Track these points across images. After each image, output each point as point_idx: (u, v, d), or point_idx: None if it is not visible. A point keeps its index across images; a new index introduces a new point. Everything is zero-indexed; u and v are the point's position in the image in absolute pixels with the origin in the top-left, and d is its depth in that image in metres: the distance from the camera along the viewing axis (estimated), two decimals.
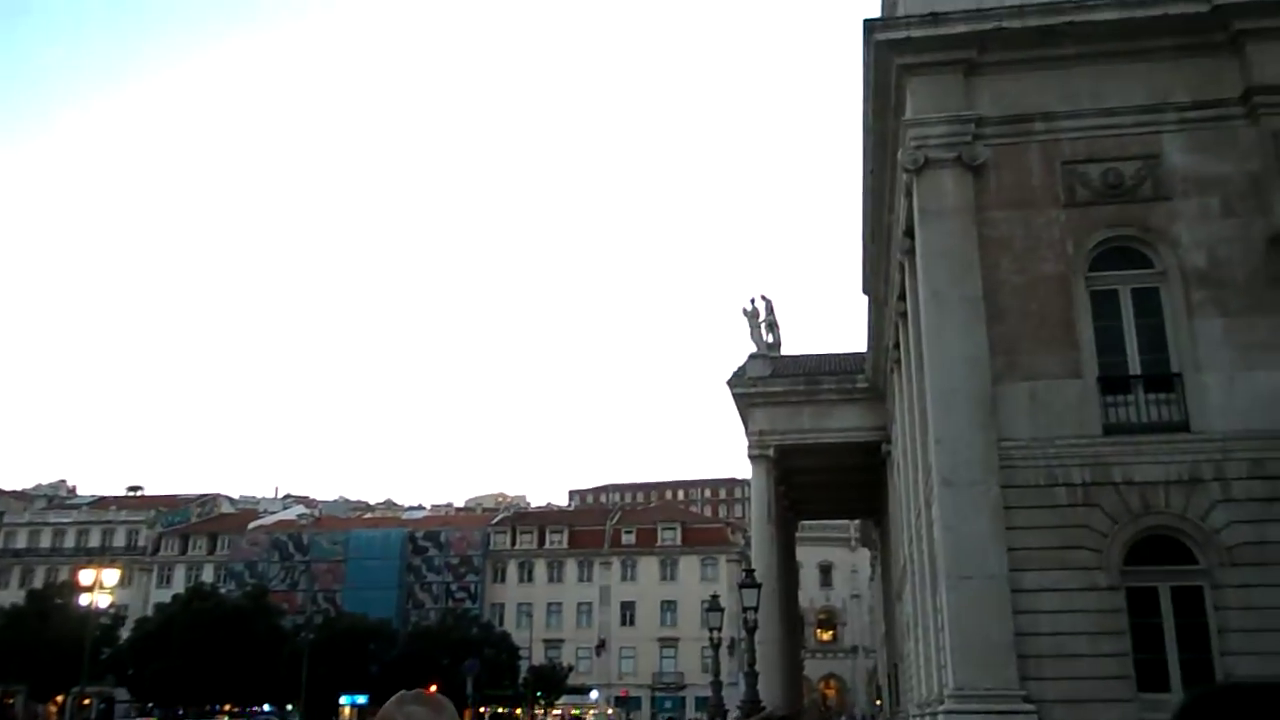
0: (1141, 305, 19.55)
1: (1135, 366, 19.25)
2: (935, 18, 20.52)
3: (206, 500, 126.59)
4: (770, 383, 39.18)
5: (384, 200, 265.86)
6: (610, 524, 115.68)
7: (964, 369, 19.19)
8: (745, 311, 40.21)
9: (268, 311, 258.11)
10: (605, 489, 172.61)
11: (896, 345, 29.48)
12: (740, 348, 41.92)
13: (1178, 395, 18.81)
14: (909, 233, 22.22)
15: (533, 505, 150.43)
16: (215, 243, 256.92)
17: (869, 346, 37.67)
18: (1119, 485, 18.26)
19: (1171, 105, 19.88)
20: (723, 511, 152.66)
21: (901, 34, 20.77)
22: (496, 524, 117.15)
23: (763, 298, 40.83)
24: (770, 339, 40.54)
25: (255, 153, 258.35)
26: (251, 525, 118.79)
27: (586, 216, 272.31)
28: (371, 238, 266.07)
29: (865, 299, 35.53)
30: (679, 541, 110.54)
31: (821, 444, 39.27)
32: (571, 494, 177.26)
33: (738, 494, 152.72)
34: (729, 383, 39.64)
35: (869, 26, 21.12)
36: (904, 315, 26.19)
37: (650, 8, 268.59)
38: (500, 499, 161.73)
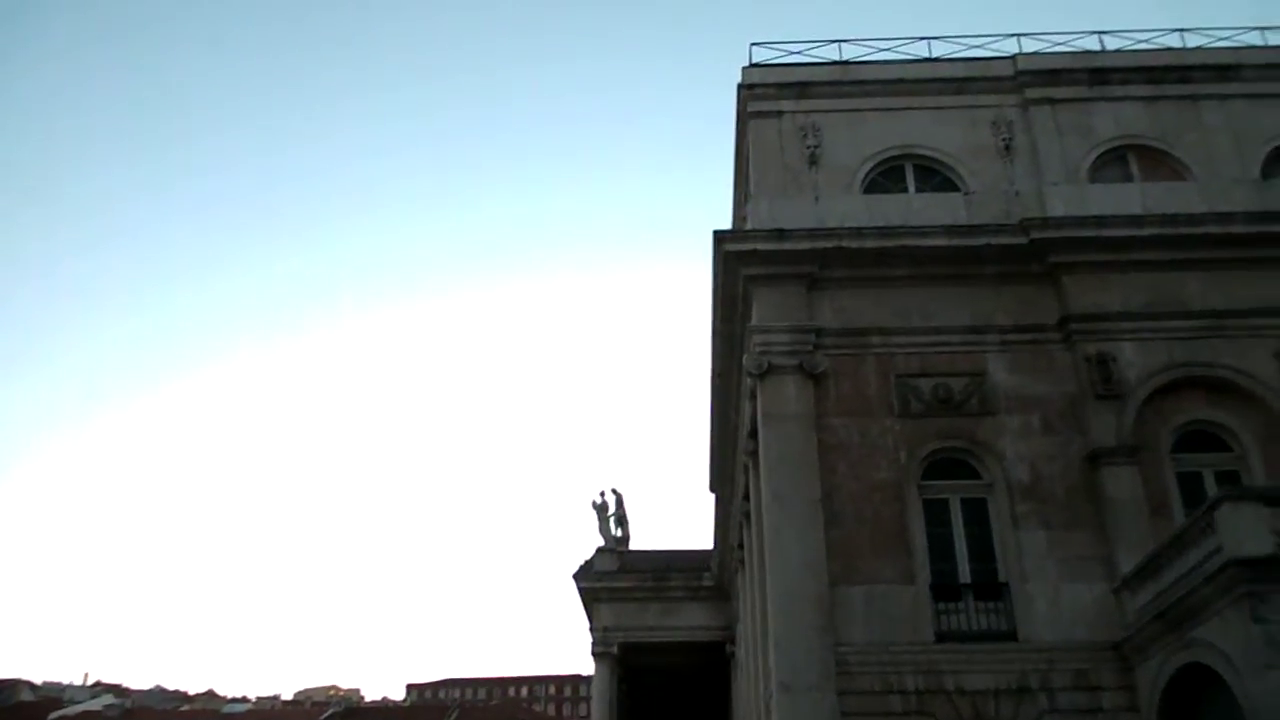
0: (971, 515, 20.29)
1: (966, 575, 19.78)
2: (780, 233, 21.69)
3: (5, 687, 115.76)
4: (617, 578, 38.69)
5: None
6: None
7: (802, 572, 19.38)
8: (595, 505, 40.00)
9: (81, 479, 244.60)
10: (445, 684, 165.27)
11: (741, 545, 29.68)
12: (589, 541, 41.50)
13: (1006, 605, 19.33)
14: (753, 434, 22.76)
15: (367, 699, 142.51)
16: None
17: (715, 545, 37.81)
18: (951, 694, 18.42)
19: (994, 328, 21.26)
20: (568, 710, 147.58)
21: (748, 246, 21.84)
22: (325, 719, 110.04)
23: (613, 491, 40.77)
24: (619, 533, 40.27)
25: None
26: (53, 716, 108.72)
27: (433, 406, 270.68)
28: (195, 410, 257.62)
29: (713, 497, 35.90)
30: None
31: (667, 642, 38.64)
32: (409, 688, 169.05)
33: (583, 691, 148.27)
34: (575, 576, 38.99)
35: (718, 238, 22.15)
36: (748, 515, 26.50)
37: (513, 200, 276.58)
38: (332, 692, 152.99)
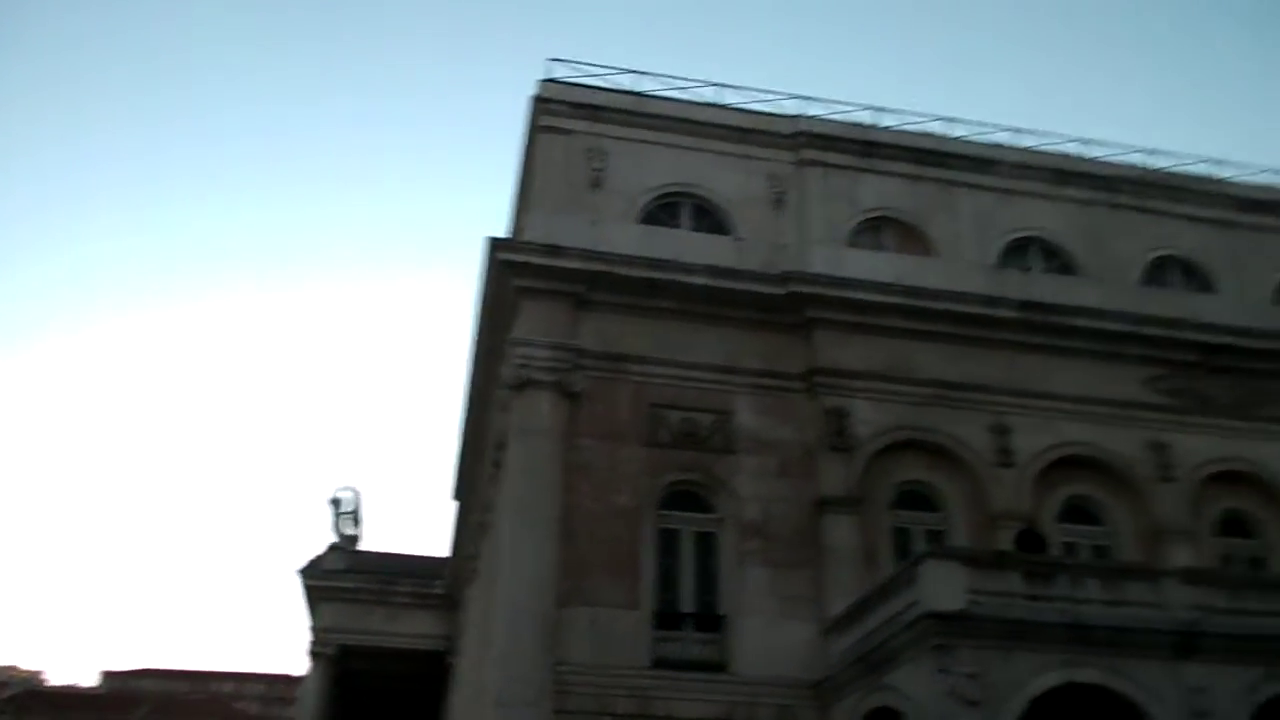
0: (701, 547, 20.93)
1: (689, 604, 20.36)
2: (555, 250, 21.79)
3: None
4: (345, 578, 37.59)
5: None
6: (140, 714, 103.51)
7: (532, 588, 19.41)
8: (331, 501, 38.77)
9: None
10: (143, 673, 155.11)
11: (476, 555, 29.46)
12: (321, 538, 40.06)
13: (723, 637, 20.02)
14: (501, 446, 22.68)
15: (53, 683, 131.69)
16: None
17: (452, 553, 37.36)
18: (660, 719, 18.85)
19: (745, 370, 22.10)
20: (276, 710, 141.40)
21: (522, 258, 21.82)
22: (2, 702, 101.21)
23: (351, 489, 39.63)
24: (353, 532, 39.17)
25: None
26: None
27: (179, 399, 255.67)
28: None
29: (455, 505, 35.49)
30: None
31: (389, 649, 37.80)
32: (105, 675, 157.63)
33: (297, 692, 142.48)
34: (302, 572, 37.59)
35: (493, 244, 22.02)
36: (486, 526, 26.35)
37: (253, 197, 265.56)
38: (11, 672, 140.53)
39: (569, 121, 24.18)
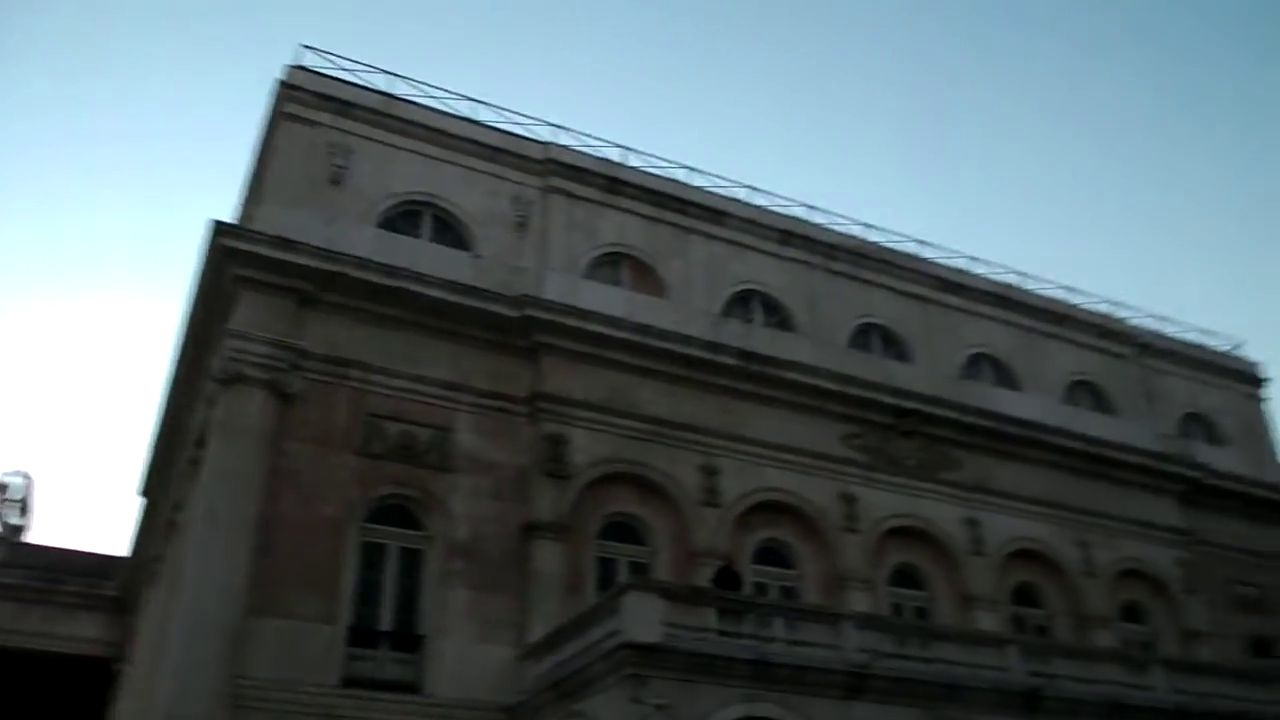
0: (406, 564, 20.44)
1: (388, 622, 19.82)
2: (286, 243, 20.84)
3: None
4: (4, 573, 34.06)
5: None
6: None
7: (218, 596, 18.25)
8: None
9: None
10: None
11: (160, 557, 27.49)
12: None
13: (419, 657, 19.59)
14: (201, 443, 21.35)
15: None
16: None
17: (132, 553, 34.67)
18: None
19: (470, 389, 21.91)
20: None
21: (249, 247, 20.71)
22: None
23: (22, 474, 36.13)
24: (19, 522, 35.67)
25: None
26: None
27: None
28: None
29: (142, 501, 33.00)
30: None
31: (48, 652, 34.49)
32: None
33: None
34: None
35: (217, 228, 20.78)
36: (175, 526, 24.67)
37: None
38: None
39: (315, 113, 23.32)
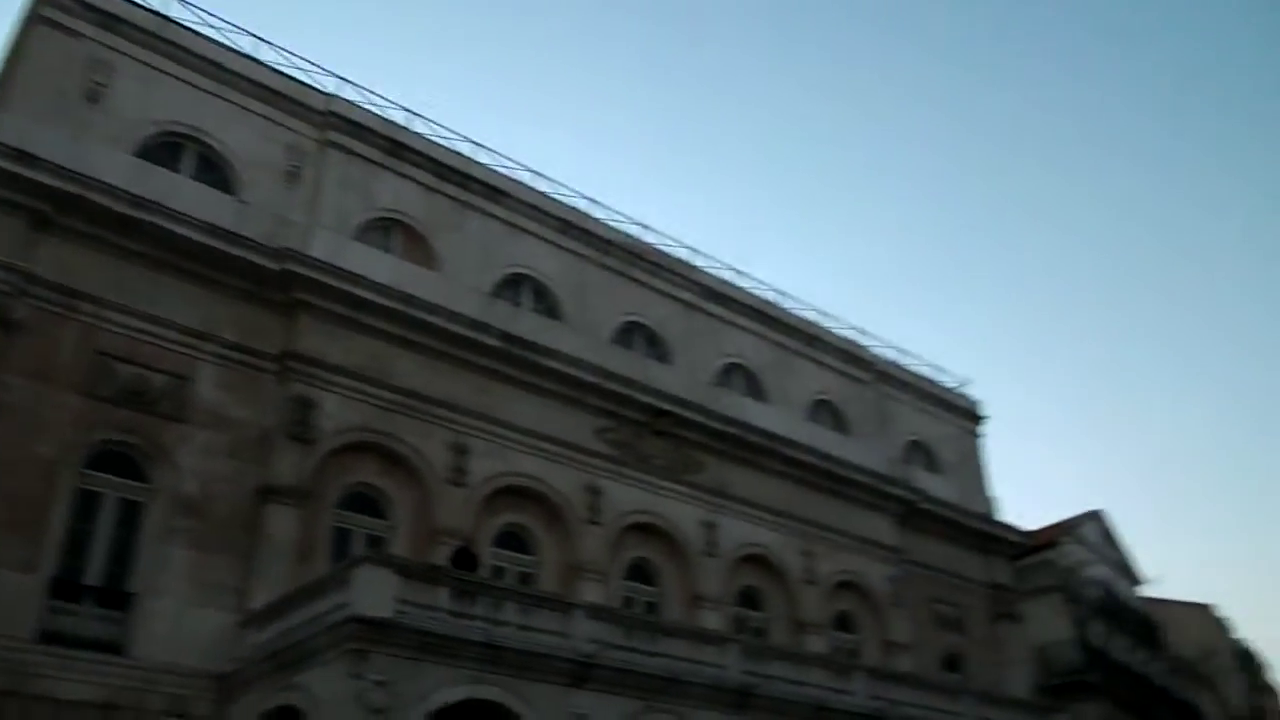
0: (125, 517, 19.17)
1: (96, 576, 18.52)
2: (25, 157, 19.09)
3: None
4: None
5: None
6: None
7: None
8: None
9: None
10: None
11: None
12: None
13: (128, 616, 18.41)
14: None
15: None
16: None
17: None
18: (38, 699, 16.83)
19: (217, 339, 20.78)
20: None
21: None
22: None
23: None
24: None
25: None
26: None
27: None
28: None
29: None
30: None
31: None
32: None
33: None
34: None
35: None
36: None
37: None
38: None
39: (76, 22, 21.47)
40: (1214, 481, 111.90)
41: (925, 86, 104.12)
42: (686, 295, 30.30)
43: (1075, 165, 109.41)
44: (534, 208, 27.56)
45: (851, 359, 34.25)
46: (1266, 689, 72.08)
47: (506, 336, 24.41)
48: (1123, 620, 46.49)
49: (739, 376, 30.98)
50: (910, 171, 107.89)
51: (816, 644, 27.79)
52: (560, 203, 28.35)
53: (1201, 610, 63.62)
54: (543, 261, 27.42)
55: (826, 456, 30.21)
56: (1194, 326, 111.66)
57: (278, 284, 21.65)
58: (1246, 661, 67.74)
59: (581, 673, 17.65)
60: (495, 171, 27.27)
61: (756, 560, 28.21)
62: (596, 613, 19.23)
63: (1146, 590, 54.81)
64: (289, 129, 23.87)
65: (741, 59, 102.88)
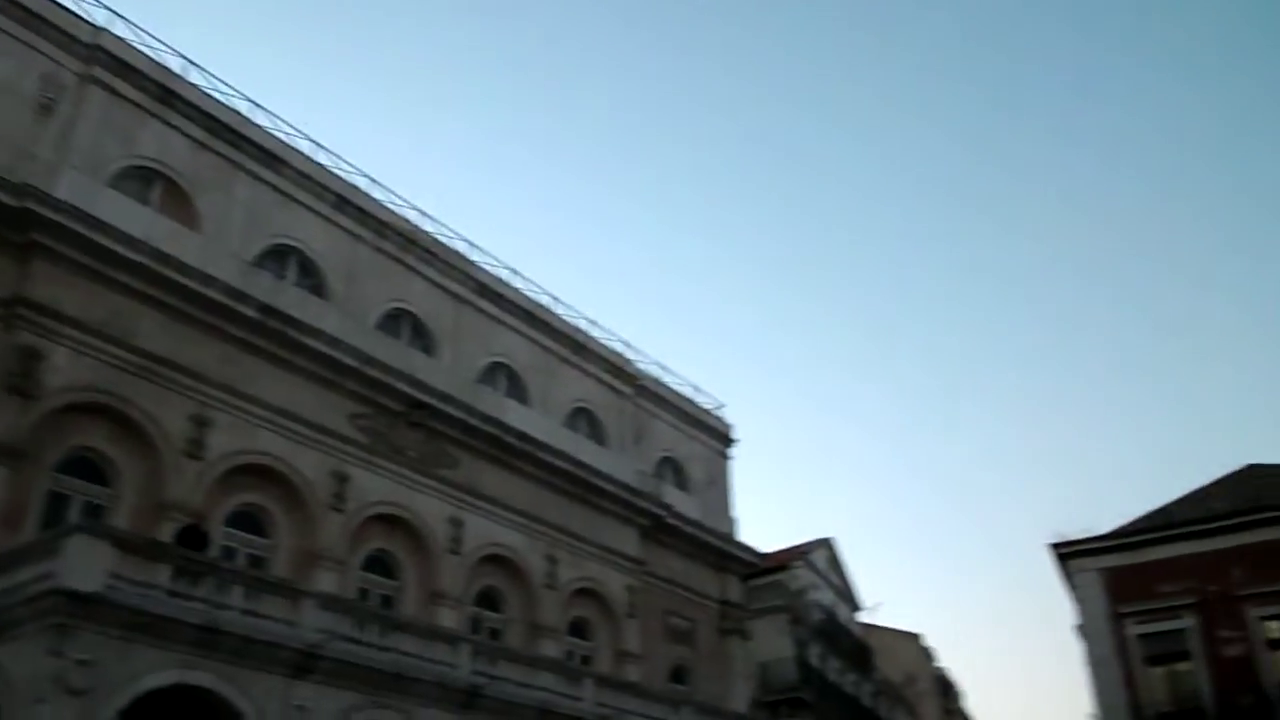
0: None
1: None
2: None
3: None
4: None
5: None
6: None
7: None
8: None
9: None
10: None
11: None
12: None
13: None
14: None
15: None
16: None
17: None
18: None
19: None
20: None
21: None
22: None
23: None
24: None
25: None
26: None
27: None
28: None
29: None
30: None
31: None
32: None
33: None
34: None
35: None
36: None
37: None
38: None
39: None
40: (931, 522, 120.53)
41: (728, 101, 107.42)
42: (459, 289, 29.94)
43: (856, 205, 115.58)
44: (310, 179, 26.55)
45: (615, 370, 34.77)
46: (958, 713, 78.01)
47: (265, 309, 23.34)
48: (840, 643, 49.25)
49: (502, 376, 30.87)
50: (707, 193, 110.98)
51: (551, 649, 27.98)
52: (339, 177, 27.45)
53: (910, 639, 68.25)
54: (313, 235, 26.44)
55: (580, 464, 30.50)
56: (934, 375, 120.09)
57: (14, 222, 19.91)
58: (944, 688, 73.17)
59: (305, 663, 17.09)
60: (273, 135, 26.10)
61: (500, 561, 28.15)
62: (328, 602, 18.69)
63: (864, 616, 58.33)
64: (48, 57, 22.04)
65: (558, 54, 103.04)
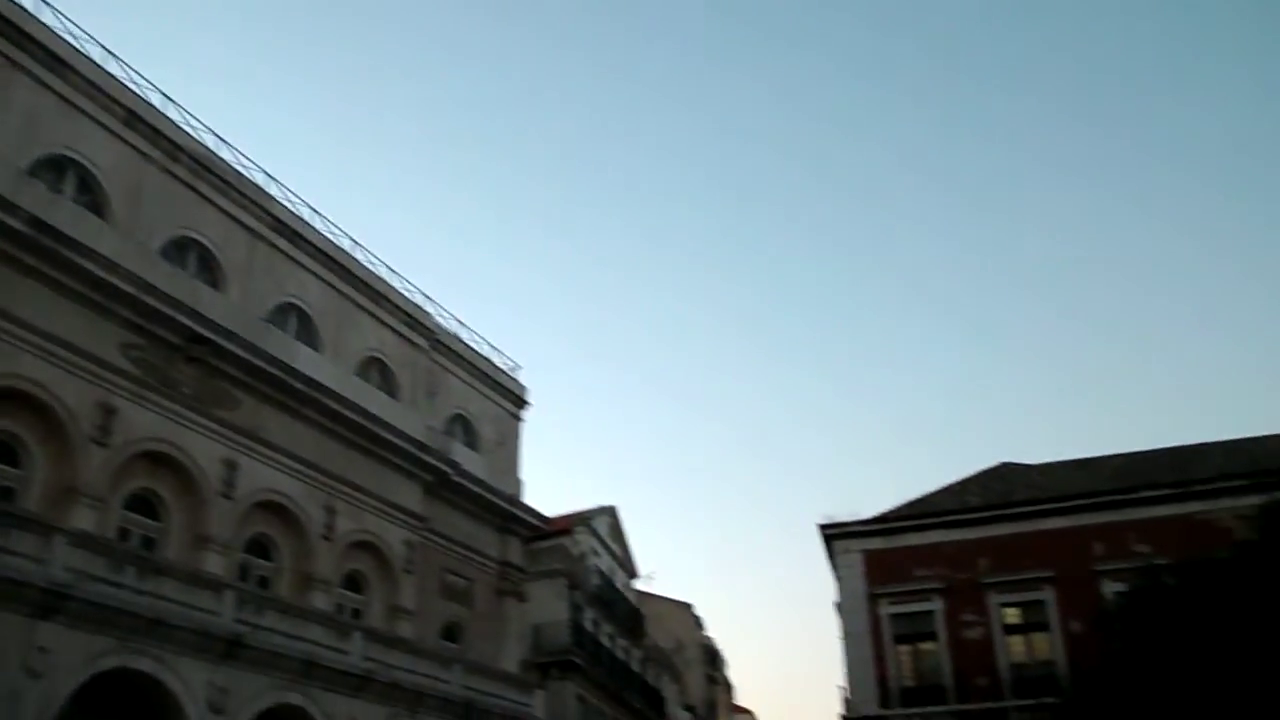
0: None
1: None
2: None
3: None
4: None
5: None
6: None
7: None
8: None
9: None
10: None
11: None
12: None
13: None
14: None
15: None
16: None
17: None
18: None
19: None
20: None
21: None
22: None
23: None
24: None
25: None
26: None
27: None
28: None
29: None
30: None
31: None
32: None
33: None
34: None
35: None
36: None
37: None
38: None
39: None
40: (709, 498, 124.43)
41: (549, 73, 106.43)
42: (254, 223, 28.63)
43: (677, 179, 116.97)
44: (99, 89, 24.73)
45: (412, 323, 34.15)
46: (722, 682, 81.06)
47: (36, 222, 21.57)
48: (615, 609, 50.29)
49: (294, 318, 29.80)
50: (527, 158, 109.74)
51: (322, 601, 27.33)
52: (131, 91, 25.69)
53: (682, 608, 70.43)
54: (98, 150, 24.68)
55: (368, 415, 29.81)
56: (719, 355, 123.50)
57: None
58: (711, 656, 75.87)
59: (51, 603, 16.17)
60: (60, 38, 24.15)
61: (275, 508, 27.23)
62: (81, 540, 17.71)
63: (640, 584, 59.71)
64: None
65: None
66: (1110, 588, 29.29)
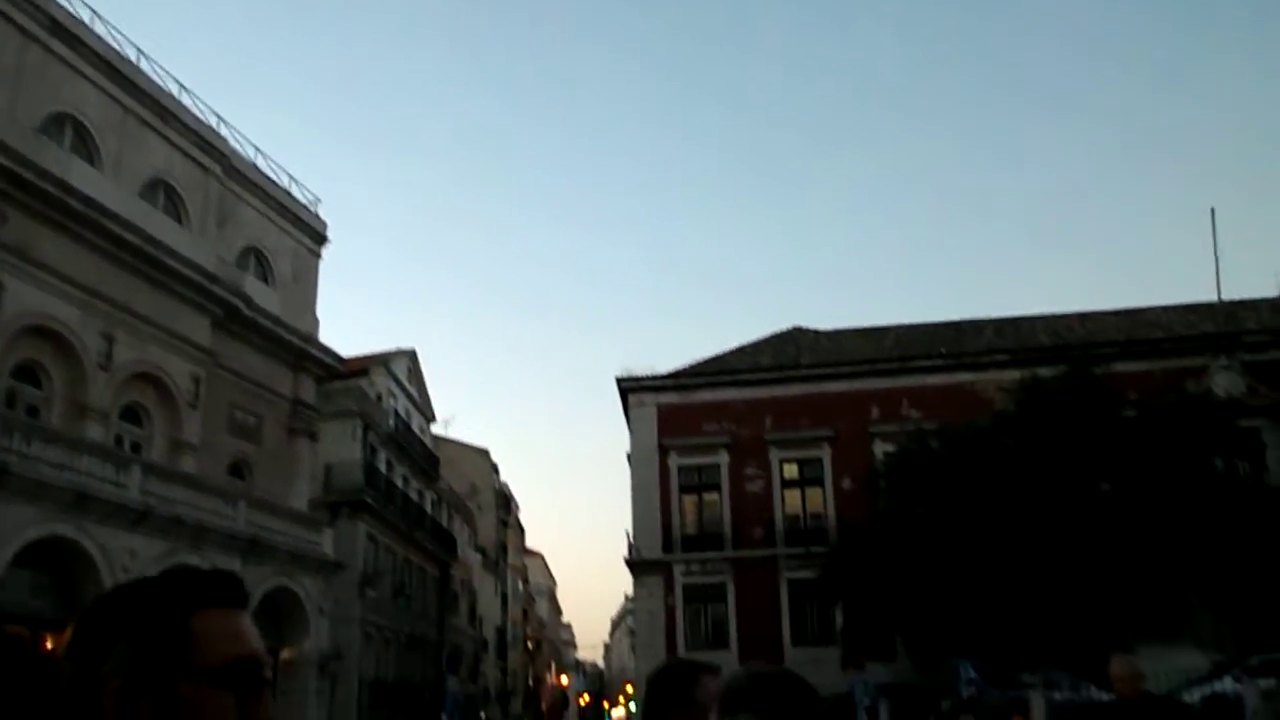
0: None
1: None
2: None
3: None
4: None
5: None
6: None
7: None
8: None
9: None
10: None
11: None
12: None
13: None
14: None
15: None
16: None
17: None
18: None
19: None
20: None
21: None
22: None
23: None
24: None
25: None
26: None
27: None
28: None
29: None
30: None
31: None
32: None
33: None
34: None
35: None
36: None
37: None
38: None
39: None
40: (513, 350, 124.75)
41: None
42: (27, 22, 25.97)
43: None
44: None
45: (204, 145, 32.07)
46: (514, 526, 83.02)
47: None
48: (410, 452, 50.33)
49: (71, 131, 27.49)
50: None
51: (98, 432, 26.14)
52: None
53: (479, 453, 71.17)
54: None
55: (152, 240, 28.13)
56: (537, 198, 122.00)
57: None
58: (504, 501, 77.37)
59: None
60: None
61: (47, 334, 25.61)
62: None
63: (437, 429, 59.82)
64: None
65: None
66: (882, 448, 31.35)
